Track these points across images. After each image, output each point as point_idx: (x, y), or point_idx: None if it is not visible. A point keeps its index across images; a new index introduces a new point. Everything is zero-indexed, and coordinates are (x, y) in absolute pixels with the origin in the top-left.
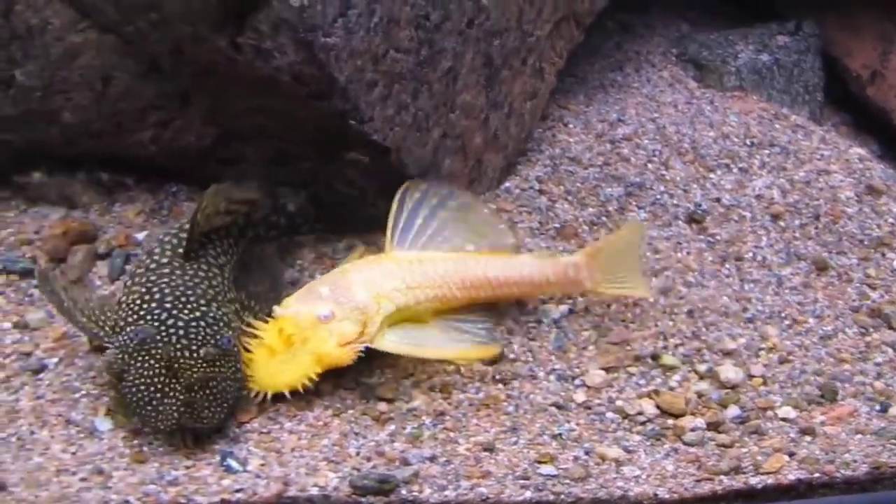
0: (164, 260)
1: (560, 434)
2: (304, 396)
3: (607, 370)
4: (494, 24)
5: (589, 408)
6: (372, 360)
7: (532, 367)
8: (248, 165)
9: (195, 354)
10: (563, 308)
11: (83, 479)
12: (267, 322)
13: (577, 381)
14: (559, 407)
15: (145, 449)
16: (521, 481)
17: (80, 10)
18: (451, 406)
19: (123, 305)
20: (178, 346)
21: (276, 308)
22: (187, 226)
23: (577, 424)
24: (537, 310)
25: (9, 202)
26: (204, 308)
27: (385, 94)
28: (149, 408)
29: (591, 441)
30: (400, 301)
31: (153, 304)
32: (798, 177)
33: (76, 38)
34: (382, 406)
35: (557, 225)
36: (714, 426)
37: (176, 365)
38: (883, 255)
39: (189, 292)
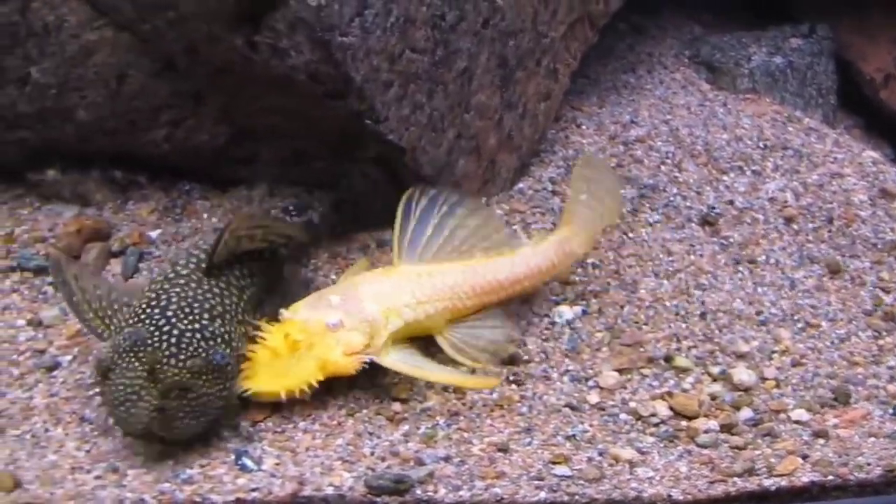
0: (185, 272)
1: (574, 435)
2: (317, 396)
3: (621, 371)
4: (509, 25)
5: (602, 409)
6: None
7: (546, 368)
8: (262, 165)
9: (180, 363)
10: (577, 309)
11: (98, 477)
12: (273, 324)
13: (590, 383)
14: (573, 408)
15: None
16: (536, 482)
17: (97, 8)
18: (464, 406)
19: (131, 308)
20: (167, 353)
21: (283, 311)
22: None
23: (591, 425)
24: (551, 311)
25: (23, 199)
26: (205, 322)
27: (401, 94)
28: (122, 408)
29: (605, 442)
30: (409, 316)
31: (156, 311)
32: (811, 180)
33: (92, 36)
34: (396, 406)
35: None
36: (727, 428)
37: (157, 369)
38: None
39: (195, 304)
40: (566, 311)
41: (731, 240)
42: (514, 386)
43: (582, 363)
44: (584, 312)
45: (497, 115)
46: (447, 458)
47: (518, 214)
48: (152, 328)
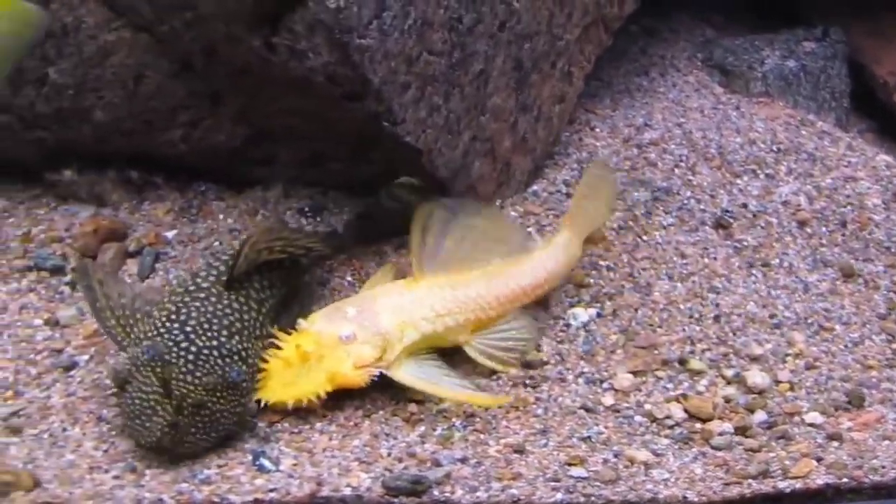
0: (205, 285)
1: (589, 437)
2: (333, 396)
3: (635, 374)
4: (525, 28)
5: (617, 411)
6: None
7: (561, 371)
8: (279, 166)
9: (196, 379)
10: (592, 311)
11: (116, 477)
12: (290, 334)
13: (605, 385)
14: (588, 410)
15: None
16: (552, 483)
17: (114, 9)
18: (480, 408)
19: (152, 320)
20: (184, 369)
21: (300, 321)
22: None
23: (606, 427)
24: (566, 313)
25: (40, 199)
26: (223, 339)
27: (418, 97)
28: (137, 421)
29: (620, 444)
30: (427, 329)
31: (175, 325)
32: (825, 183)
33: (109, 37)
34: (412, 407)
35: None
36: (742, 430)
37: (173, 385)
38: None
39: (214, 321)
40: (581, 314)
41: (745, 243)
42: (529, 388)
43: (597, 365)
44: (599, 315)
45: (512, 117)
46: (464, 460)
47: (532, 217)
48: (170, 343)
